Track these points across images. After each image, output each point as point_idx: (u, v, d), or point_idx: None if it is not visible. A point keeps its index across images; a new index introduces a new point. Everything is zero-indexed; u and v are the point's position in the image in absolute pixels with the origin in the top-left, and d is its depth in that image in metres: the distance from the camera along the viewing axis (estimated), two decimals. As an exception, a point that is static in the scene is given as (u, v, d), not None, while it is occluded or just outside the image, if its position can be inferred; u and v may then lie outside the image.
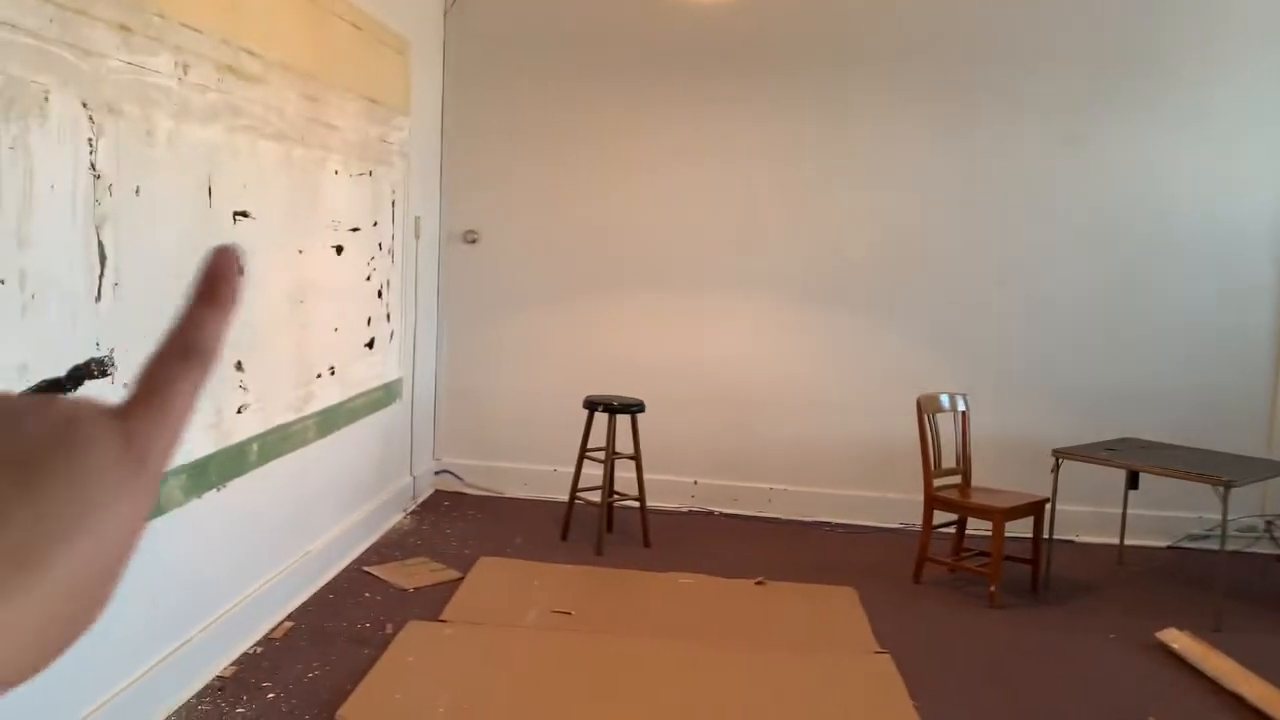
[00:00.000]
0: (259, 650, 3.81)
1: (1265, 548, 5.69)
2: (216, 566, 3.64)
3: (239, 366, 3.58)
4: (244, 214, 3.57)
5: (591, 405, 5.31)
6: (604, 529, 5.24)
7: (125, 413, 0.39)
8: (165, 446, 0.40)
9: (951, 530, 5.13)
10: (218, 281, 0.43)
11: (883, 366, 5.89)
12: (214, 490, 3.49)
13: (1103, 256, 5.75)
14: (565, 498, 5.40)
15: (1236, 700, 3.67)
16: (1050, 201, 5.74)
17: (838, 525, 5.87)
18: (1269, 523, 5.67)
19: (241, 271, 0.44)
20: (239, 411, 3.58)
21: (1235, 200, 5.65)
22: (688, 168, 5.97)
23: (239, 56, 3.48)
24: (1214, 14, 5.59)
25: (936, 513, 4.94)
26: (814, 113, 5.87)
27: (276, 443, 3.93)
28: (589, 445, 5.33)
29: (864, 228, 5.89)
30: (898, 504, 5.79)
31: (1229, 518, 5.11)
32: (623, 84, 5.96)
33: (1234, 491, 4.46)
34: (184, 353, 0.42)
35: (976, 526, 5.07)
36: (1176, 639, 4.14)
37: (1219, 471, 4.52)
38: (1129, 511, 5.58)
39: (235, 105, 3.47)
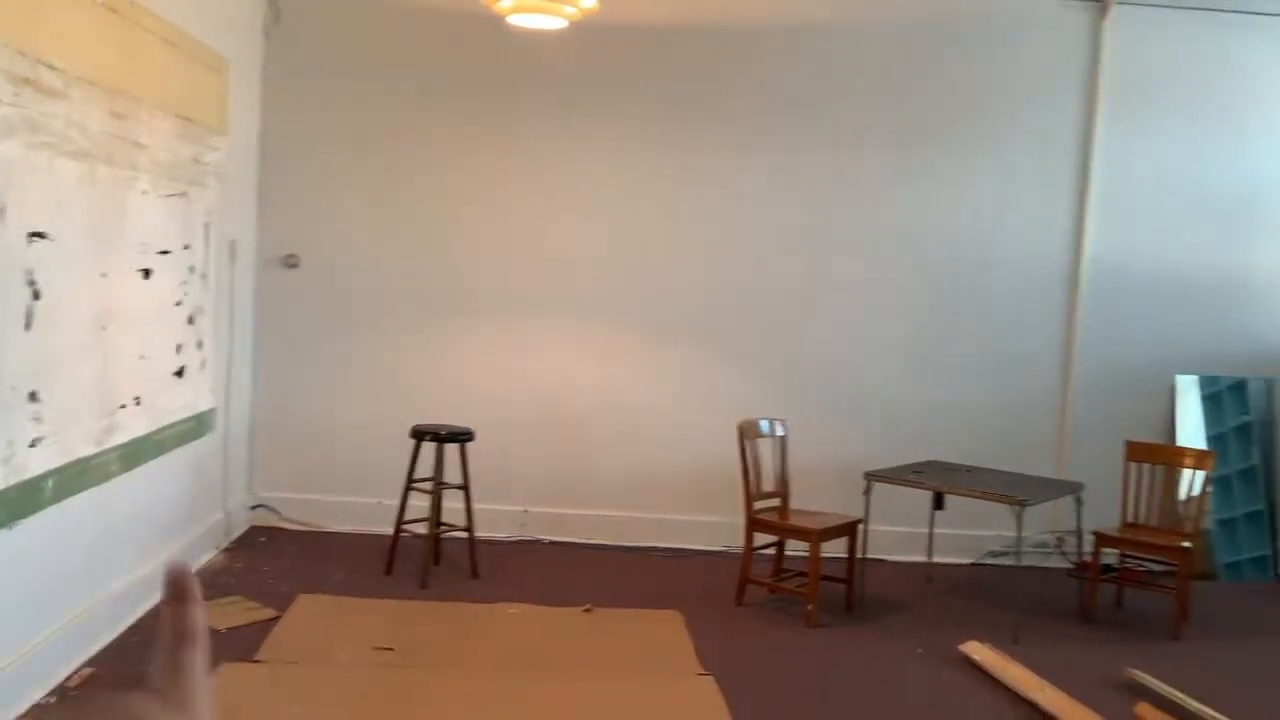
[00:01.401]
0: (52, 700, 3.55)
1: (1057, 562, 6.11)
2: (3, 612, 3.39)
3: (33, 397, 3.36)
4: (40, 235, 3.36)
5: (418, 434, 5.23)
6: (430, 562, 5.15)
7: (166, 697, 0.59)
8: (204, 708, 0.62)
9: (772, 552, 5.29)
10: (180, 585, 0.66)
11: (708, 392, 6.04)
12: (2, 530, 3.25)
13: (911, 288, 6.09)
14: (390, 531, 5.28)
15: (1032, 708, 3.93)
16: (864, 235, 6.05)
17: (665, 550, 5.96)
18: (1059, 539, 6.10)
19: (190, 573, 0.66)
20: (32, 445, 3.36)
21: (1030, 235, 6.09)
22: (517, 193, 5.99)
23: (37, 69, 3.29)
24: (1009, 58, 6.03)
25: (758, 535, 5.09)
26: (642, 140, 6.00)
27: (75, 477, 3.70)
28: (416, 475, 5.24)
29: (689, 257, 6.04)
30: (721, 527, 5.92)
31: (1024, 535, 5.46)
32: (450, 107, 5.94)
33: (1028, 510, 4.79)
34: (182, 641, 0.62)
35: (797, 548, 5.25)
36: (978, 651, 4.40)
37: (1014, 492, 4.85)
38: (936, 531, 5.90)
39: (33, 120, 3.28)
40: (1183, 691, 4.07)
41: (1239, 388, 6.18)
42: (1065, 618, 5.18)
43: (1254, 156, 6.17)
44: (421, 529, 5.18)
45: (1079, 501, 5.25)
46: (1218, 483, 6.00)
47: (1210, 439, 6.09)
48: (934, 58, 6.03)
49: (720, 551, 5.93)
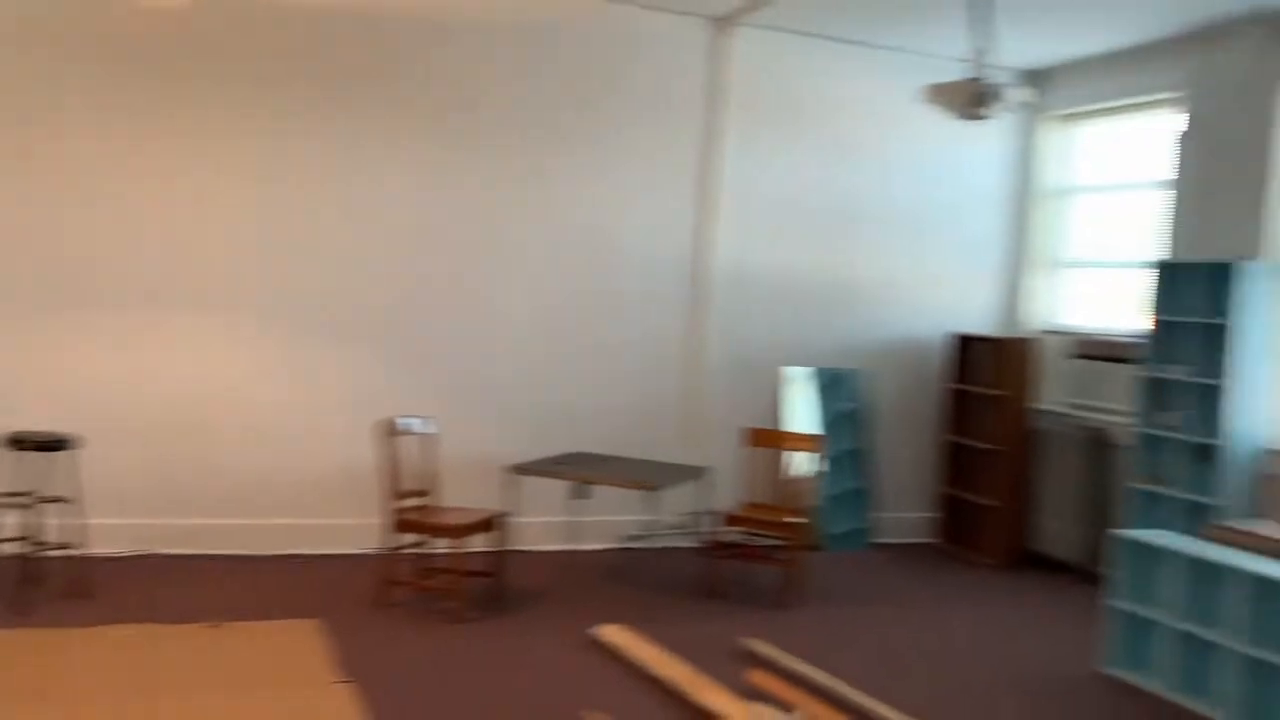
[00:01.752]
0: None
1: (691, 542, 6.52)
2: None
3: None
4: None
5: (11, 442, 4.65)
6: (27, 585, 4.60)
7: None
8: None
9: (421, 551, 5.23)
10: None
11: (353, 391, 5.85)
12: None
13: (553, 288, 6.24)
14: (-23, 552, 4.66)
15: (657, 683, 4.16)
16: (507, 233, 6.12)
17: (305, 556, 5.72)
18: (691, 520, 6.51)
19: None
20: None
21: (663, 237, 6.44)
22: (127, 177, 5.48)
23: None
24: (646, 67, 6.34)
25: (406, 535, 5.01)
26: (275, 134, 5.70)
27: None
28: (8, 489, 4.66)
29: (324, 253, 5.83)
30: (368, 529, 5.77)
31: (659, 518, 5.77)
32: (57, 88, 5.33)
33: (664, 494, 5.08)
34: None
35: (446, 545, 5.21)
36: (611, 634, 4.59)
37: (648, 478, 5.11)
38: (580, 519, 6.10)
39: None
40: (791, 655, 4.48)
41: (842, 378, 6.90)
42: (694, 594, 5.53)
43: (855, 175, 6.90)
44: (16, 549, 4.62)
45: (707, 485, 5.63)
46: (828, 463, 6.69)
47: (821, 424, 6.76)
48: (578, 60, 6.22)
49: (366, 554, 5.78)
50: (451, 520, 4.93)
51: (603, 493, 5.85)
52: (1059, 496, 6.57)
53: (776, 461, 6.07)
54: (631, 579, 5.77)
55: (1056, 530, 6.57)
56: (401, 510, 5.00)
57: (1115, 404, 6.47)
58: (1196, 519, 5.69)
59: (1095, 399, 6.64)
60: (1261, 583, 4.13)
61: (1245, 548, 4.56)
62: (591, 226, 6.30)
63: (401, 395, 5.85)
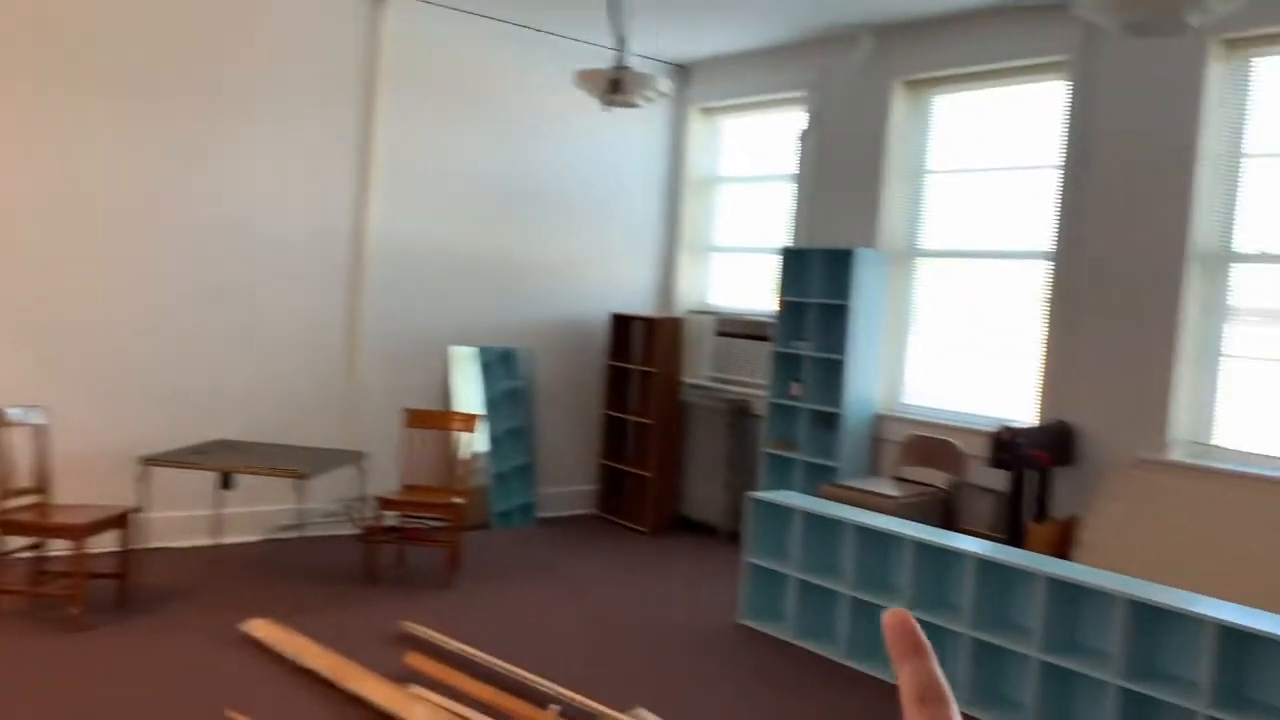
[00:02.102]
0: None
1: (348, 529, 6.34)
2: None
3: None
4: None
5: None
6: None
7: None
8: None
9: (37, 555, 4.70)
10: (909, 638, 0.58)
11: (-56, 379, 5.13)
12: None
13: (194, 258, 5.80)
14: None
15: (311, 676, 4.01)
16: (138, 198, 5.60)
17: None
18: (348, 506, 6.32)
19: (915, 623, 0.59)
20: None
21: (316, 208, 6.16)
22: None
23: None
24: (299, 31, 6.02)
25: (16, 538, 4.47)
26: None
27: None
28: None
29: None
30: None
31: (313, 505, 5.54)
32: None
33: (318, 481, 4.87)
34: (924, 700, 0.56)
35: (65, 547, 4.71)
36: (259, 629, 4.37)
37: (299, 465, 4.89)
38: (225, 511, 5.74)
39: None
40: (451, 636, 4.48)
41: (508, 356, 6.97)
42: (351, 582, 5.38)
43: (518, 154, 6.96)
44: None
45: (361, 470, 5.48)
46: (494, 441, 6.74)
47: (487, 402, 6.79)
48: (228, 17, 5.78)
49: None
50: (69, 519, 4.46)
51: (251, 482, 5.55)
52: (705, 464, 7.02)
53: (441, 443, 6.02)
54: (284, 571, 5.51)
55: (703, 495, 7.02)
56: (8, 511, 4.46)
57: (752, 377, 7.01)
58: (820, 479, 6.31)
59: (736, 373, 7.15)
60: (868, 533, 4.64)
61: (856, 504, 5.10)
62: (239, 198, 5.90)
63: (4, 381, 5.22)
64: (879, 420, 6.17)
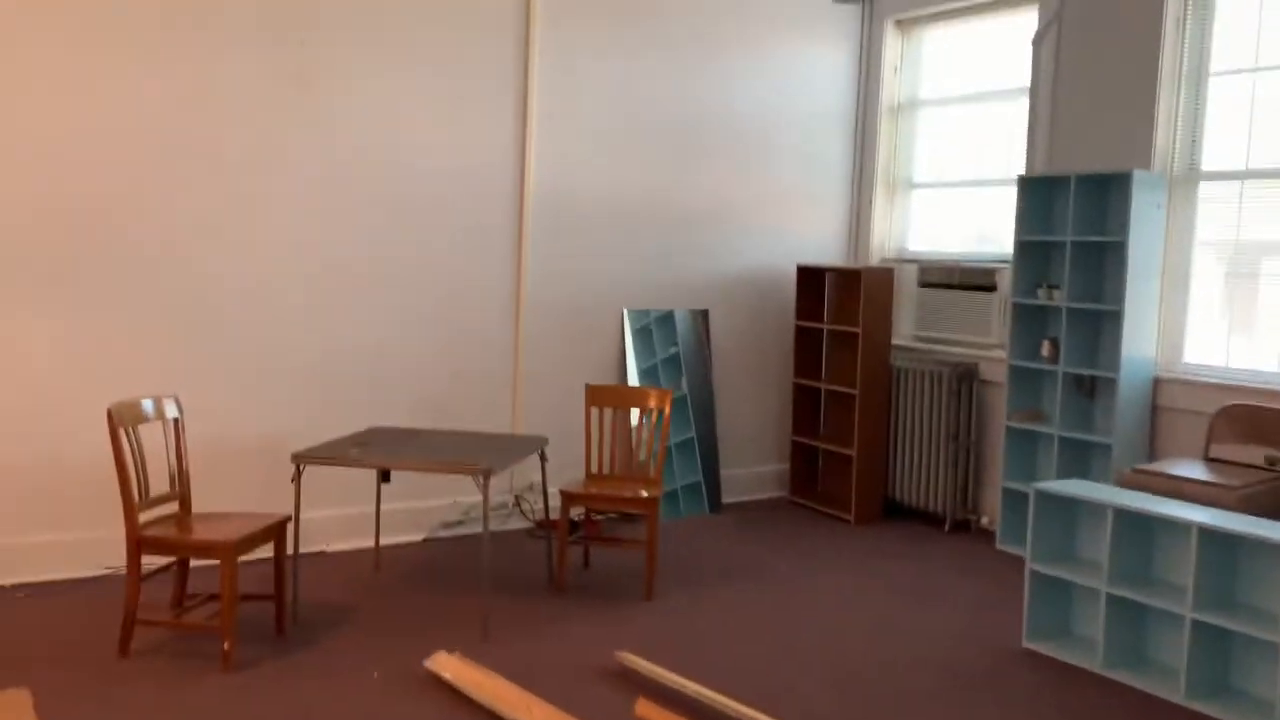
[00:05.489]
0: None
1: (516, 523, 5.51)
2: None
3: None
4: None
5: None
6: None
7: None
8: None
9: (166, 573, 3.95)
10: None
11: (51, 367, 4.41)
12: None
13: (330, 220, 4.97)
14: None
15: (518, 730, 3.15)
16: (260, 151, 4.77)
17: (16, 587, 4.30)
18: (517, 498, 5.49)
19: None
20: None
21: (473, 157, 5.27)
22: None
23: None
24: (432, -45, 5.11)
25: (152, 557, 3.70)
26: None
27: None
28: None
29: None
30: (100, 544, 4.41)
31: (478, 498, 4.72)
32: None
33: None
34: None
35: (208, 561, 3.95)
36: (446, 666, 3.52)
37: (474, 458, 4.02)
38: (385, 508, 4.96)
39: None
40: (667, 665, 3.59)
41: (667, 319, 6.00)
42: (535, 592, 4.52)
43: (688, 86, 5.94)
44: None
45: (543, 458, 4.60)
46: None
47: (642, 373, 5.85)
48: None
49: (103, 576, 4.43)
50: (216, 534, 3.66)
51: (405, 474, 4.75)
52: (921, 440, 5.96)
53: (624, 423, 5.12)
54: (456, 580, 4.69)
55: (920, 477, 5.97)
56: (147, 524, 3.69)
57: (974, 335, 5.91)
58: (1080, 458, 5.20)
59: (948, 331, 6.06)
60: (1214, 537, 3.55)
61: (1171, 494, 4.00)
62: (380, 145, 5.04)
63: (130, 369, 4.49)
64: (1159, 385, 5.02)
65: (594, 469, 5.06)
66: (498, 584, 4.60)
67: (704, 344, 6.11)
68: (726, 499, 6.24)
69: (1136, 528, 3.85)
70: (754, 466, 6.43)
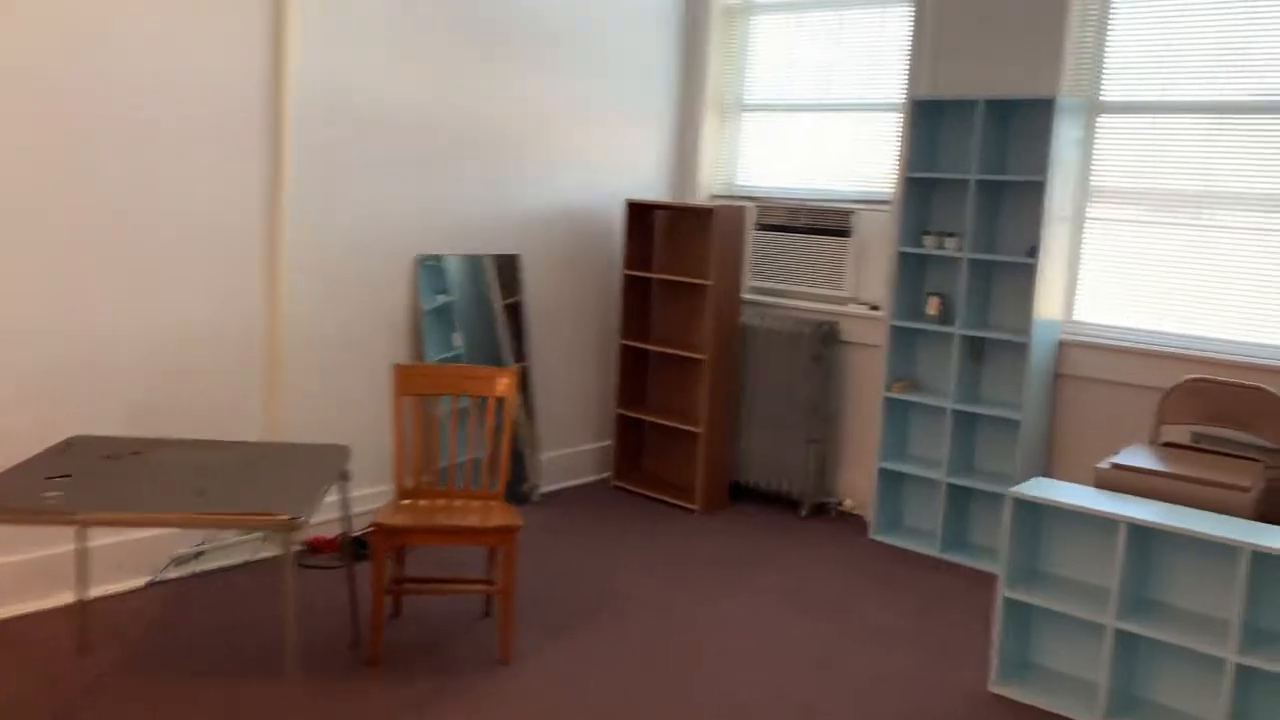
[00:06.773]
0: None
1: (270, 548, 4.04)
2: None
3: None
4: None
5: None
6: None
7: None
8: None
9: None
10: None
11: None
12: None
13: (18, 153, 3.22)
14: None
15: None
16: None
17: None
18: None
19: None
20: None
21: (211, 57, 3.64)
22: None
23: None
24: None
25: None
26: None
27: None
28: None
29: None
30: None
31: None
32: None
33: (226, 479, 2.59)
34: None
35: None
36: None
37: (261, 497, 2.59)
38: (89, 546, 3.37)
39: None
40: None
41: (471, 266, 4.68)
42: (332, 668, 3.15)
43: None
44: None
45: (344, 476, 3.21)
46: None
47: (433, 337, 4.51)
48: None
49: None
50: None
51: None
52: (772, 412, 5.05)
53: (425, 412, 3.77)
54: (203, 649, 3.21)
55: (769, 455, 5.07)
56: None
57: (823, 289, 5.05)
58: (972, 436, 4.49)
59: (791, 282, 5.16)
60: (1267, 561, 2.84)
61: (1180, 498, 3.29)
62: (74, 49, 3.32)
63: None
64: (1063, 350, 4.36)
65: (408, 483, 3.71)
66: (267, 655, 3.18)
67: (514, 297, 4.84)
68: (540, 487, 5.05)
69: (1143, 542, 3.09)
70: (571, 446, 5.27)
